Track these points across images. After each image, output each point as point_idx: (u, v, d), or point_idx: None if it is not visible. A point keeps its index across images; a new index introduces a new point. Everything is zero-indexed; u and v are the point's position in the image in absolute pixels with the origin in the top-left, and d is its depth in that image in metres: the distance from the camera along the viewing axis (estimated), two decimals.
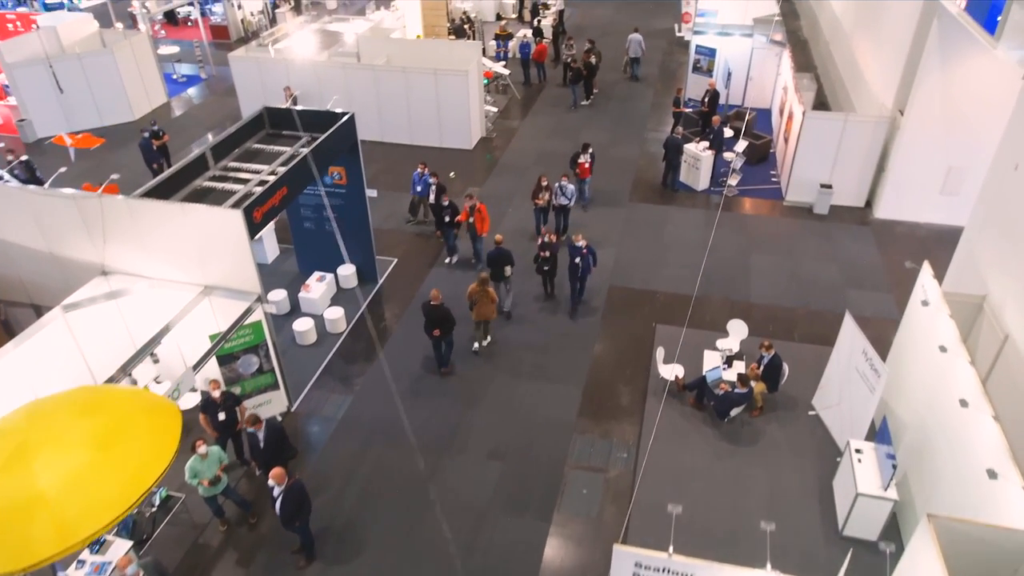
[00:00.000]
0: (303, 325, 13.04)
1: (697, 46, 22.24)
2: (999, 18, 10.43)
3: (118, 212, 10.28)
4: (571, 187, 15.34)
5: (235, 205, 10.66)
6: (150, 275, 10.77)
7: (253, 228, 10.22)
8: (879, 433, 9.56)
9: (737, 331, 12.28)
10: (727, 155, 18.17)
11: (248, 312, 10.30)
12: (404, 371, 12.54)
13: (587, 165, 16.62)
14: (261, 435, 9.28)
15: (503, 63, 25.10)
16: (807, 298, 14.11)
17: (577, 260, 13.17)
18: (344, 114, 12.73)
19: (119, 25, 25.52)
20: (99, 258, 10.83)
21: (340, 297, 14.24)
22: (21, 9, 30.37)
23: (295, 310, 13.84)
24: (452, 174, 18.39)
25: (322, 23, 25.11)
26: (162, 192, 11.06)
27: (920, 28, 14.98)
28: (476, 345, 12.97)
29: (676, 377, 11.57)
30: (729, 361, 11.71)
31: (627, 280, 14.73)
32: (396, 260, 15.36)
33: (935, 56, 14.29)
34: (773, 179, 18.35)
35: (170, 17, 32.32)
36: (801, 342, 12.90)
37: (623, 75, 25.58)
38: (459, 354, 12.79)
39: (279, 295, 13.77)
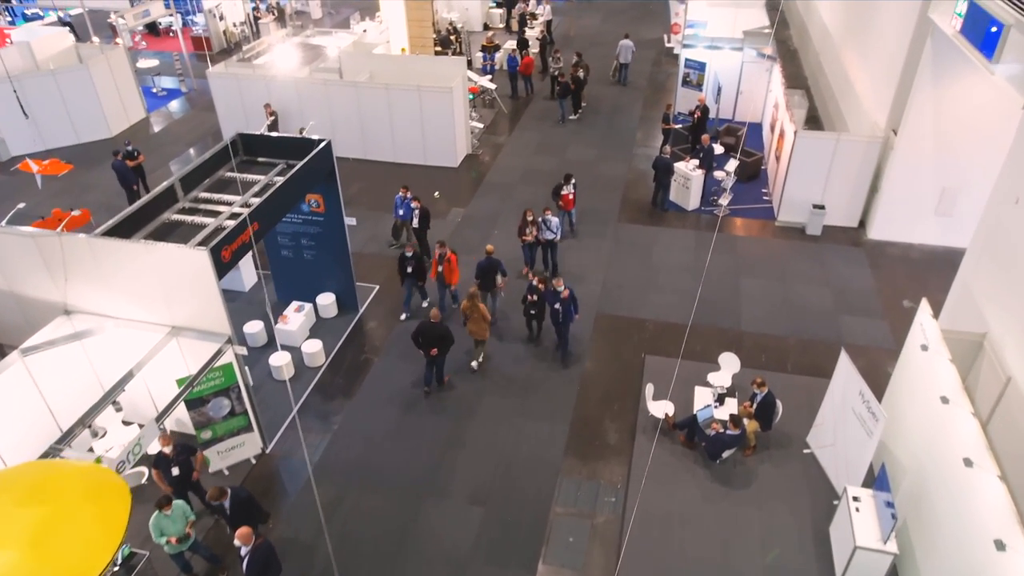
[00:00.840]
0: (279, 360, 12.54)
1: (687, 60, 21.86)
2: (993, 29, 10.06)
3: (79, 251, 9.79)
4: (555, 220, 14.47)
5: (204, 241, 10.16)
6: (115, 315, 10.29)
7: (223, 267, 9.75)
8: (878, 480, 9.16)
9: (729, 365, 11.88)
10: (717, 174, 17.77)
11: (218, 354, 9.84)
12: (385, 406, 12.07)
13: (571, 196, 15.97)
14: (227, 504, 8.78)
15: (490, 76, 24.66)
16: (800, 325, 13.69)
17: (557, 306, 12.33)
18: (320, 141, 12.27)
19: (96, 39, 24.89)
20: (61, 297, 10.34)
21: (320, 327, 13.76)
22: None
23: (272, 342, 13.35)
24: (436, 194, 17.95)
25: (304, 36, 24.58)
26: (129, 226, 10.58)
27: (913, 46, 14.63)
28: (475, 362, 12.83)
29: (666, 415, 11.14)
30: (721, 399, 11.31)
31: (615, 307, 14.28)
32: (378, 287, 14.88)
33: (928, 75, 13.95)
34: (765, 198, 17.97)
35: (151, 28, 31.73)
36: (794, 373, 12.50)
37: (611, 79, 25.31)
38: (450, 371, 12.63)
39: (255, 327, 13.28)
